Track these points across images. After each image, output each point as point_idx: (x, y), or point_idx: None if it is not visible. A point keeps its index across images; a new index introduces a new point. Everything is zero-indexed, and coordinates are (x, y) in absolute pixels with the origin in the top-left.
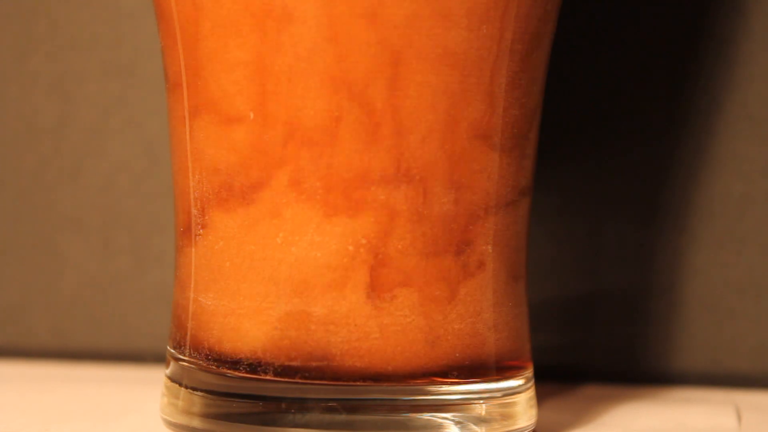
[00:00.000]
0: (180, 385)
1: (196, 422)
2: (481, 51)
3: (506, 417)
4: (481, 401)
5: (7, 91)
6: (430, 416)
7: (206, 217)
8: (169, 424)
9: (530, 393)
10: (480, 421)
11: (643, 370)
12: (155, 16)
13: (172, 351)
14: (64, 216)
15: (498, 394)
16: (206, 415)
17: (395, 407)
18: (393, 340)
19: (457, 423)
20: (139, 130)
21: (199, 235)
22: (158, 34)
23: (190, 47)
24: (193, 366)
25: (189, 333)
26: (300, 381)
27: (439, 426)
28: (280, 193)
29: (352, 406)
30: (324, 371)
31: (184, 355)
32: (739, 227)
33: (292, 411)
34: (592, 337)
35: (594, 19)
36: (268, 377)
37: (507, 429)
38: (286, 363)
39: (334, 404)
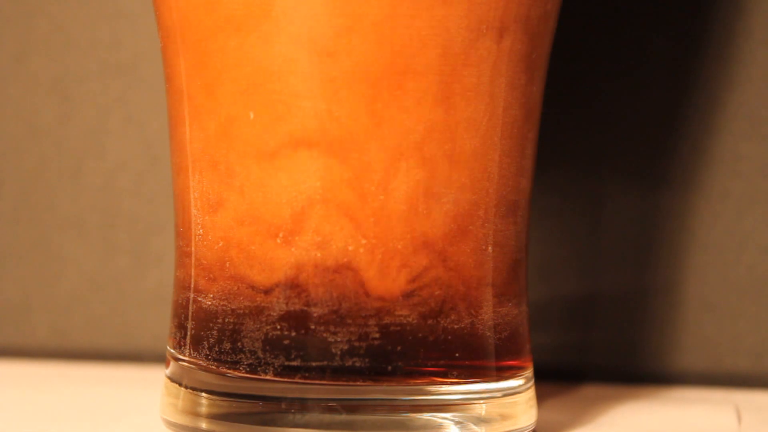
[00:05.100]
0: (180, 385)
1: (196, 422)
2: (481, 51)
3: (506, 417)
4: (481, 401)
5: (7, 91)
6: (430, 416)
7: (206, 217)
8: (170, 424)
9: (530, 393)
10: (480, 421)
11: (643, 370)
12: (155, 16)
13: (172, 351)
14: (64, 216)
15: (498, 394)
16: (206, 415)
17: (395, 407)
18: (393, 340)
19: (457, 423)
20: (139, 130)
21: (199, 235)
22: (158, 34)
23: (190, 47)
24: (193, 366)
25: (189, 333)
26: (300, 381)
27: (439, 426)
28: (279, 192)
29: (352, 406)
30: (324, 371)
31: (184, 355)
32: (739, 227)
33: (292, 411)
34: (592, 337)
35: (594, 20)
36: (268, 377)
37: (507, 429)
38: (286, 363)
39: (334, 404)
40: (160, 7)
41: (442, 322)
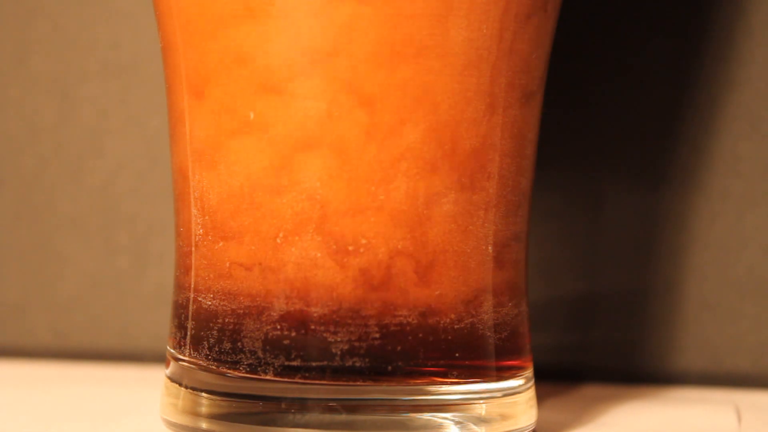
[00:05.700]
0: (180, 385)
1: (197, 422)
2: (481, 51)
3: (506, 417)
4: (481, 401)
5: (7, 91)
6: (430, 416)
7: (206, 217)
8: (170, 424)
9: (530, 393)
10: (480, 421)
11: (643, 370)
12: (155, 15)
13: (172, 351)
14: (64, 216)
15: (498, 394)
16: (206, 415)
17: (395, 407)
18: (393, 340)
19: (457, 423)
20: (139, 130)
21: (199, 235)
22: (158, 34)
23: (190, 47)
24: (193, 366)
25: (189, 333)
26: (300, 381)
27: (439, 426)
28: (280, 192)
29: (352, 406)
30: (324, 371)
31: (184, 355)
32: (739, 227)
33: (292, 411)
34: (592, 337)
35: (594, 20)
36: (268, 377)
37: (507, 429)
38: (286, 363)
39: (334, 404)
40: (160, 6)
41: (442, 322)
